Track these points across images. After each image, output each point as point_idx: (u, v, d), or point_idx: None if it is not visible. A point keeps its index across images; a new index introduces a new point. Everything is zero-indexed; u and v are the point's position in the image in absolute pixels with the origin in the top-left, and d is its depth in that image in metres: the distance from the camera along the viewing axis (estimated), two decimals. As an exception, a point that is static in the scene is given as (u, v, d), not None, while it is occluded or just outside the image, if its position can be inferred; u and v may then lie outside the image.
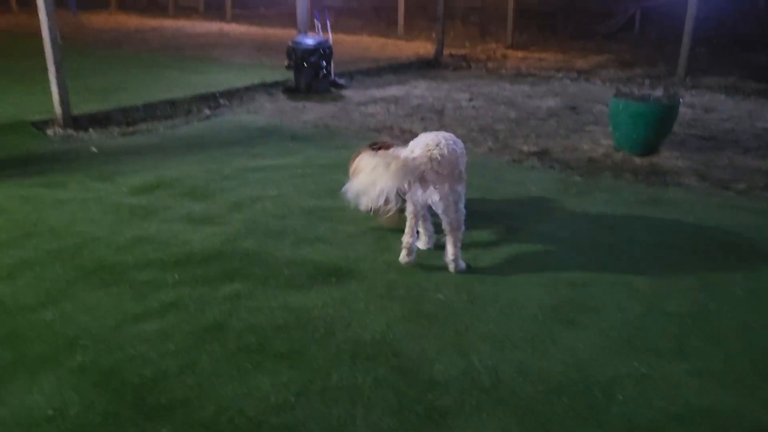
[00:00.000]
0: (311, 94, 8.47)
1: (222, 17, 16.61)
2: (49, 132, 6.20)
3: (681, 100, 6.03)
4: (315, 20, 9.28)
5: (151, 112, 7.19)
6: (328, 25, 9.17)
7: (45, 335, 2.91)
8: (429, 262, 3.74)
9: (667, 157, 5.75)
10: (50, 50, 6.03)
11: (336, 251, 3.86)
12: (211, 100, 7.87)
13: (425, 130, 6.83)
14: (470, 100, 8.33)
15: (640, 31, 13.77)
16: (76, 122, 6.37)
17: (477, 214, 4.44)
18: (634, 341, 2.97)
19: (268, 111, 7.62)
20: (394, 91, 8.91)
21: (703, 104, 8.02)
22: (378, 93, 8.74)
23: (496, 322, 3.13)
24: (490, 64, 11.02)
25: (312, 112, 7.65)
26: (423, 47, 12.34)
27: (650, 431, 2.41)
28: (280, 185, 5.00)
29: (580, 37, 13.50)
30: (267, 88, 8.66)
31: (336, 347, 2.90)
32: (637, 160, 5.66)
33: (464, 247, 3.72)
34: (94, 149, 5.85)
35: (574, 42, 13.11)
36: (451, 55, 11.49)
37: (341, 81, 9.07)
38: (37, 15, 5.95)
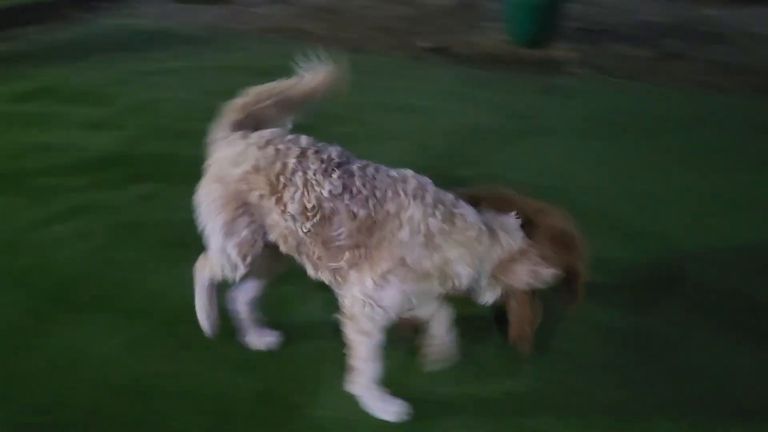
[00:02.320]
0: (199, -4, 7.96)
1: None
2: None
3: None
4: None
5: (16, 17, 6.47)
6: None
7: (-54, 244, 2.73)
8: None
9: (559, 49, 6.03)
10: None
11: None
12: (89, 1, 7.19)
13: (321, 29, 6.69)
14: (366, -1, 8.17)
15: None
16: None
17: (387, 109, 4.52)
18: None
19: (155, 14, 7.10)
20: (286, -9, 8.54)
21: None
22: (269, -7, 8.35)
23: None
24: (382, -36, 10.76)
25: (203, 14, 7.23)
26: (311, -53, 11.79)
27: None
28: (177, 88, 4.81)
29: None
30: (150, -11, 8.01)
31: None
32: (531, 53, 5.90)
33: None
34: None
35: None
36: (343, -45, 11.08)
37: (230, -19, 8.55)
38: None
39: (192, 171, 3.43)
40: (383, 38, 6.44)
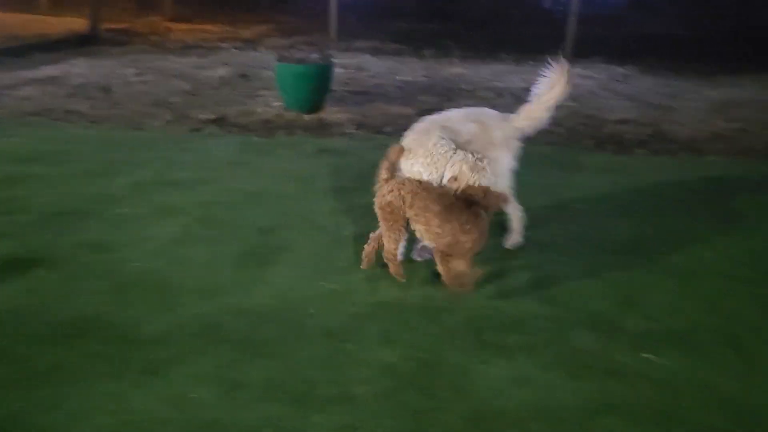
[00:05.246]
0: (-59, 81, 7.23)
1: None
2: None
3: (334, 60, 6.82)
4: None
5: None
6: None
7: None
8: (122, 238, 3.73)
9: (331, 112, 6.51)
10: None
11: (14, 242, 3.58)
12: None
13: (92, 109, 6.46)
14: (138, 74, 8.07)
15: (295, 2, 14.73)
16: None
17: (169, 184, 4.52)
18: (321, 265, 3.48)
19: None
20: (49, 71, 8.11)
21: (355, 64, 9.12)
22: (29, 74, 7.86)
23: (197, 276, 3.33)
24: (153, 38, 10.69)
25: (-53, 101, 6.58)
26: (76, 23, 11.29)
27: (340, 331, 2.92)
28: None
29: (243, 8, 13.88)
30: None
31: (34, 333, 2.78)
32: (306, 117, 6.30)
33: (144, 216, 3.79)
34: None
35: (237, 13, 13.42)
36: (110, 30, 10.81)
37: (-21, 64, 7.89)
38: None
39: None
40: (161, 113, 6.41)
